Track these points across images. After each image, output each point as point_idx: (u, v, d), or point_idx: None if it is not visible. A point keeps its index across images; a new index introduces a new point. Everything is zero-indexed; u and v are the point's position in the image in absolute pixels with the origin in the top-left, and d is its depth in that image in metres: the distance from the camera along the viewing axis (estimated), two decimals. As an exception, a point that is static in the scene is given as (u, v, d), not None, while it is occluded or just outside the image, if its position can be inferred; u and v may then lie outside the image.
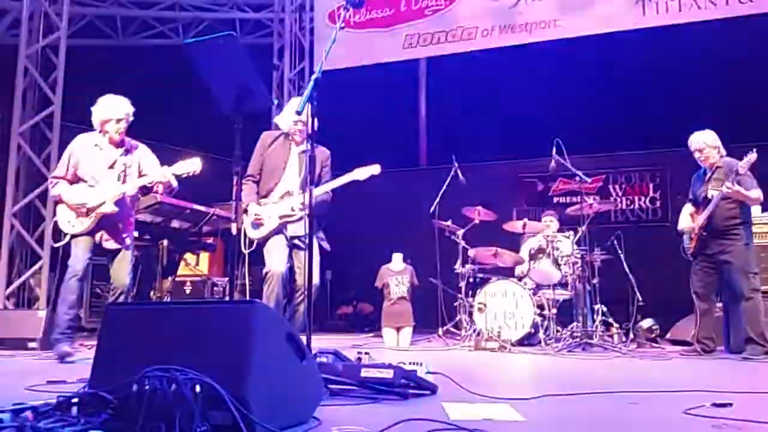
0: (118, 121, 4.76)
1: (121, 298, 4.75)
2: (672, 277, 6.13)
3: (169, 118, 9.17)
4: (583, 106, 9.51)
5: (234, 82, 3.25)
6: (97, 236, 4.72)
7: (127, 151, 4.88)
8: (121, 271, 4.77)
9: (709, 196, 5.23)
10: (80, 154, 4.77)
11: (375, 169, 4.91)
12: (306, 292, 3.42)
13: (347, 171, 4.95)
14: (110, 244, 4.76)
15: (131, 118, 4.83)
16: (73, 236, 4.71)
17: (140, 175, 4.86)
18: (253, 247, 4.97)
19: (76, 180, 4.78)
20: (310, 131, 3.36)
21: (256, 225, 4.89)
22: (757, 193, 5.14)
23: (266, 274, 4.85)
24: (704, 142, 5.35)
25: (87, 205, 4.65)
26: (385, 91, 10.59)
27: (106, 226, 4.71)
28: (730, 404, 2.55)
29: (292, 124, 4.95)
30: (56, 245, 4.92)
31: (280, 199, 4.89)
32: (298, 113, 3.24)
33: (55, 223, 4.81)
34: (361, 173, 4.89)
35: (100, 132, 4.80)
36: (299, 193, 4.82)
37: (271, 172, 4.96)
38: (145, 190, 4.97)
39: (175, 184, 4.83)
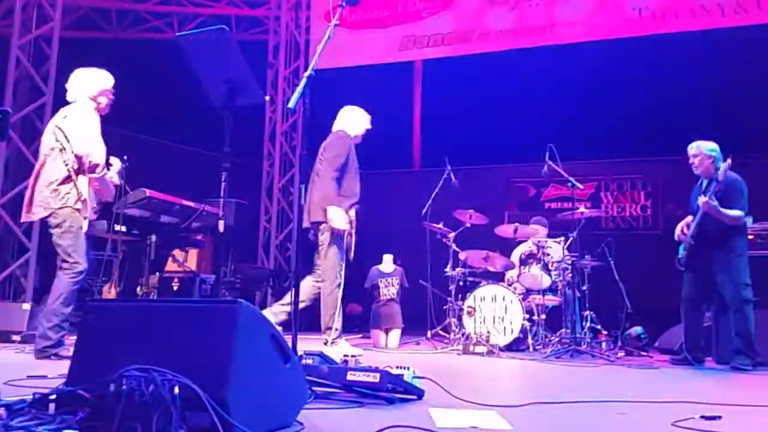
0: (112, 90, 4.58)
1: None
2: (662, 286, 6.12)
3: (160, 112, 9.12)
4: (576, 112, 9.49)
5: (225, 77, 3.21)
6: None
7: None
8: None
9: (700, 204, 5.22)
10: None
11: None
12: (293, 291, 3.38)
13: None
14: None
15: None
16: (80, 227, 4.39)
17: None
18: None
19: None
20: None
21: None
22: (734, 213, 5.05)
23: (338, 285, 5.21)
24: (699, 148, 5.33)
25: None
26: (380, 92, 10.55)
27: None
28: (719, 417, 2.53)
29: (363, 131, 5.60)
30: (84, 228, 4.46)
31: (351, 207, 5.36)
32: (290, 110, 3.19)
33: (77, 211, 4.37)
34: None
35: (93, 102, 4.51)
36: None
37: (353, 177, 5.39)
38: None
39: None
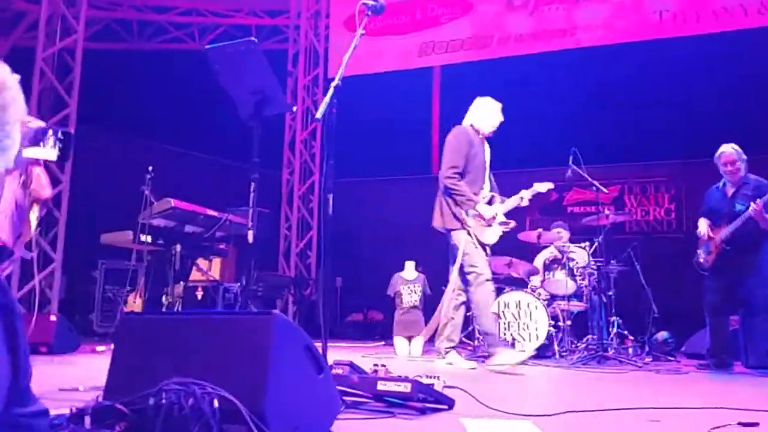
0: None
1: None
2: (687, 289, 6.07)
3: (184, 123, 9.18)
4: (598, 115, 9.42)
5: (253, 88, 3.22)
6: None
7: None
8: None
9: (737, 209, 5.14)
10: None
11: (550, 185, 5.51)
12: (322, 296, 3.39)
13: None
14: None
15: None
16: None
17: None
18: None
19: None
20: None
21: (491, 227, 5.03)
22: None
23: (485, 280, 4.98)
24: (738, 154, 5.24)
25: None
26: (399, 98, 10.56)
27: None
28: (757, 424, 2.48)
29: (495, 123, 5.40)
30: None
31: (490, 204, 5.13)
32: (318, 119, 3.20)
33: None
34: (541, 186, 5.46)
35: None
36: (500, 200, 5.19)
37: (477, 172, 5.17)
38: None
39: None
